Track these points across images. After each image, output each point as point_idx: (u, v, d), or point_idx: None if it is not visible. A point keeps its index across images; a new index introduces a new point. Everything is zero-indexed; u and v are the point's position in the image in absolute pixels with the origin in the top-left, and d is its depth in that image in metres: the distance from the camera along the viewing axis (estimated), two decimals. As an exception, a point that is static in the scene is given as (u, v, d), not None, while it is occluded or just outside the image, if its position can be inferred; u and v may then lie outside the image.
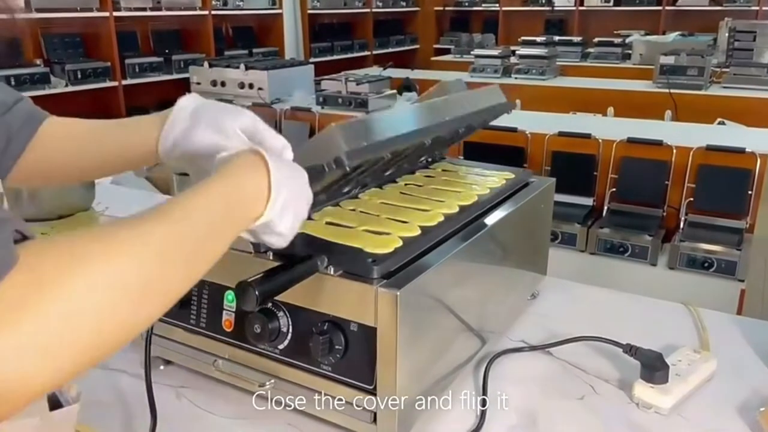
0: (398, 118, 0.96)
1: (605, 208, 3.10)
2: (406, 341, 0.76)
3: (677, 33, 5.66)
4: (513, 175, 1.19)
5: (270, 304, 0.83)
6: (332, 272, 0.78)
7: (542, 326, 1.14)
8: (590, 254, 2.97)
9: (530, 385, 0.99)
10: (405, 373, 0.78)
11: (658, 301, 1.27)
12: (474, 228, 0.97)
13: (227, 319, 0.89)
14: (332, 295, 0.79)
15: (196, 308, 0.92)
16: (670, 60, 4.38)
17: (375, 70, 5.02)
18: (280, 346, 0.85)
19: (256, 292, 0.70)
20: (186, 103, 0.78)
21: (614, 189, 3.08)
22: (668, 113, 3.90)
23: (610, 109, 3.99)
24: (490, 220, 1.01)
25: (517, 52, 5.30)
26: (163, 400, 0.91)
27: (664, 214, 3.00)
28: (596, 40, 6.01)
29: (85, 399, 0.76)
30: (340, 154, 0.73)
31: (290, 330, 0.83)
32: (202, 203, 0.60)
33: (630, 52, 5.59)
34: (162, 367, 1.02)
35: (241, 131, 0.75)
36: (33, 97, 0.83)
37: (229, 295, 0.88)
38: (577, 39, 6.04)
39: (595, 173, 3.13)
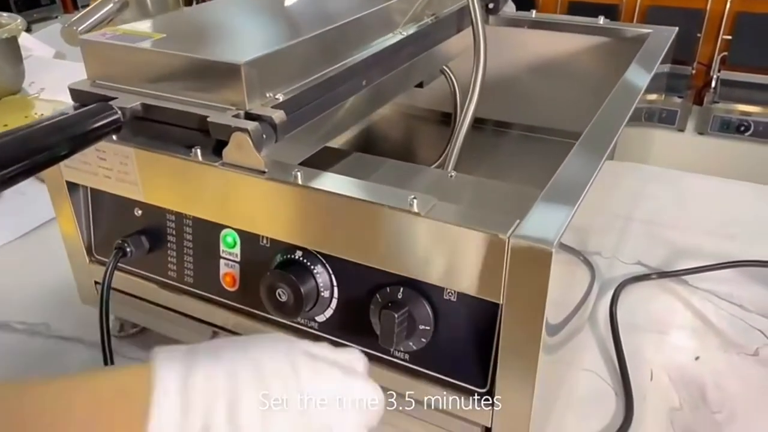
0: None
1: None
2: (551, 320, 0.44)
3: None
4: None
5: (301, 254, 0.50)
6: (415, 207, 0.44)
7: (655, 238, 0.83)
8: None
9: (676, 336, 0.69)
10: (545, 366, 0.46)
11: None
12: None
13: (228, 272, 0.56)
14: (415, 245, 0.45)
15: (175, 253, 0.59)
16: None
17: None
18: (319, 319, 0.53)
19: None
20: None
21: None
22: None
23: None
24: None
25: None
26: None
27: (693, 71, 2.65)
28: None
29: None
30: None
31: (335, 296, 0.51)
32: None
33: None
34: (133, 330, 0.70)
35: None
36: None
37: (228, 237, 0.55)
38: None
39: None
